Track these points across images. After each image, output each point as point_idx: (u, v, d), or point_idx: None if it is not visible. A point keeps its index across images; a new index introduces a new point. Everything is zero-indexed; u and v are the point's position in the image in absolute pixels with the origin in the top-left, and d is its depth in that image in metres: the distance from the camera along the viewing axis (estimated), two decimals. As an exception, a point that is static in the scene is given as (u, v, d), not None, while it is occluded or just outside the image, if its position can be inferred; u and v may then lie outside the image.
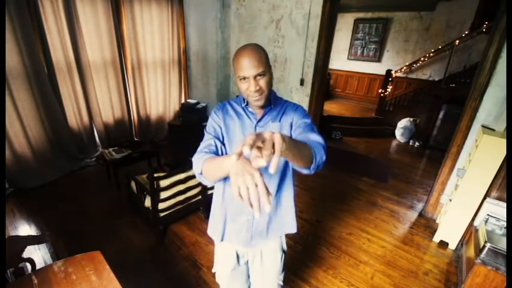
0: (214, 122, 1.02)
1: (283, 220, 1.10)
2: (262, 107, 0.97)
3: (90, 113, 3.26)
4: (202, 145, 0.98)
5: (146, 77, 3.62)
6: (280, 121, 1.00)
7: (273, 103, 1.00)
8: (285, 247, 1.19)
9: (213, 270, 1.26)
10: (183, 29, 3.77)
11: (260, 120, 0.99)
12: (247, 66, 0.87)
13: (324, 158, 0.81)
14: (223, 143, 1.00)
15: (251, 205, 0.56)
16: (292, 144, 0.65)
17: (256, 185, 0.56)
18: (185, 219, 2.47)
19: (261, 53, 0.89)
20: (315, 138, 0.87)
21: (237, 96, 1.08)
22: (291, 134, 0.98)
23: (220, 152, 0.97)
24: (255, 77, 0.88)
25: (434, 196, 2.67)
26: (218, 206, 1.10)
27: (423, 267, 2.12)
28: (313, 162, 0.77)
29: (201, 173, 0.90)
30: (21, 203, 2.56)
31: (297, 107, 1.04)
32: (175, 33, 3.69)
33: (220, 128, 1.01)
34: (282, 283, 1.23)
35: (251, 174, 0.57)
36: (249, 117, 1.00)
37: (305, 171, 0.80)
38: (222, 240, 1.11)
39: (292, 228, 1.12)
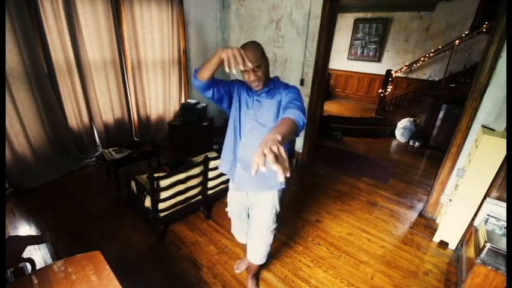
0: (233, 84, 1.36)
1: (275, 176, 1.32)
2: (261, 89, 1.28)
3: (90, 113, 3.26)
4: None
5: (146, 77, 3.62)
6: (272, 98, 1.29)
7: (272, 86, 1.29)
8: (277, 206, 1.49)
9: (226, 209, 1.73)
10: (183, 29, 3.77)
11: (259, 94, 1.31)
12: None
13: (305, 120, 1.08)
14: (228, 96, 1.34)
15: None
16: (286, 138, 0.90)
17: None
18: (185, 219, 2.47)
19: (255, 50, 1.16)
20: (296, 107, 1.11)
21: None
22: (279, 107, 1.27)
23: (221, 91, 1.31)
24: (253, 70, 1.16)
25: (434, 196, 2.67)
26: (227, 151, 1.44)
27: (423, 267, 2.12)
28: (297, 132, 1.04)
29: (194, 75, 1.21)
30: (21, 203, 2.56)
31: (288, 87, 1.29)
32: (175, 33, 3.69)
33: (235, 91, 1.35)
34: (274, 232, 1.57)
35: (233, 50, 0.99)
36: (250, 94, 1.34)
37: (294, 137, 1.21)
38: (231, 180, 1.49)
39: (282, 185, 1.43)
